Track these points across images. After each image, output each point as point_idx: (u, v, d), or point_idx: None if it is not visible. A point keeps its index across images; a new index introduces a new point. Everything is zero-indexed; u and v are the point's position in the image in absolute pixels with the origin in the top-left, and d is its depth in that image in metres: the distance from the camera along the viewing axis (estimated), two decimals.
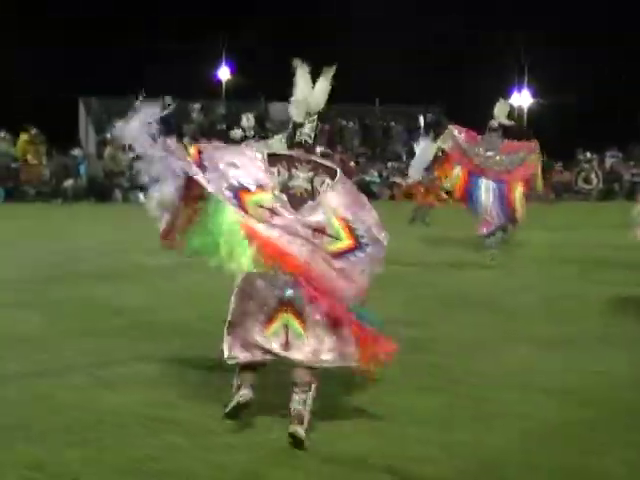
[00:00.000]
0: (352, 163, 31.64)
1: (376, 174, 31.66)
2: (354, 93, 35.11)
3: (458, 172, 12.86)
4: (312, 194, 5.13)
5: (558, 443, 5.09)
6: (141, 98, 33.09)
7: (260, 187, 5.03)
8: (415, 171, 15.54)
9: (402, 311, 8.89)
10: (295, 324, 5.05)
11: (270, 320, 5.08)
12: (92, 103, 34.44)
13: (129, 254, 12.63)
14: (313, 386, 5.09)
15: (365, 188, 30.35)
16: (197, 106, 35.07)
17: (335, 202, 5.18)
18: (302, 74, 5.50)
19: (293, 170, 5.14)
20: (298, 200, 5.09)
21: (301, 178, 5.13)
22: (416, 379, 6.34)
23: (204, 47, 36.87)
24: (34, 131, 27.35)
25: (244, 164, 5.08)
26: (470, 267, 12.55)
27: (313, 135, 5.35)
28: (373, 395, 5.80)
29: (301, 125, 5.35)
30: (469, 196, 12.89)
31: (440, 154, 13.18)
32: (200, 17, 37.79)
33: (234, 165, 5.04)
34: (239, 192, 4.96)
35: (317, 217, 5.09)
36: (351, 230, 5.20)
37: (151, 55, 36.97)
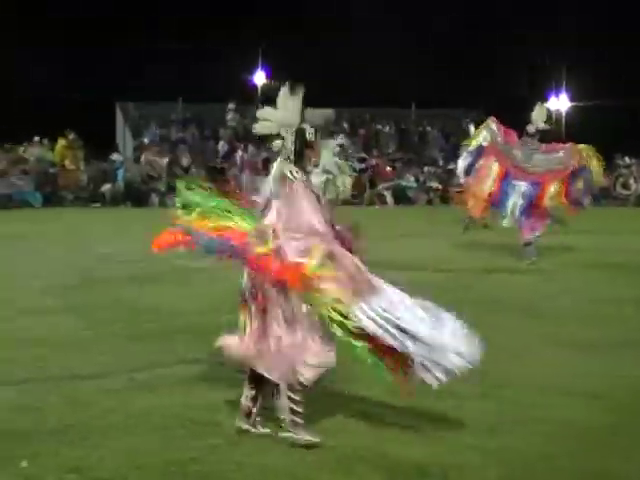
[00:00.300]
0: (388, 168, 31.58)
1: (412, 179, 31.55)
2: (390, 97, 35.14)
3: (495, 169, 12.81)
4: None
5: (606, 448, 5.06)
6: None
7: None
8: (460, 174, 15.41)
9: None
10: None
11: None
12: (129, 108, 34.69)
13: (167, 258, 12.67)
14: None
15: (401, 193, 30.36)
16: (232, 111, 35.22)
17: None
18: (284, 94, 5.66)
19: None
20: None
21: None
22: (458, 385, 6.29)
23: (240, 51, 36.97)
24: (72, 136, 27.59)
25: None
26: (507, 272, 12.46)
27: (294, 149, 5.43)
28: (417, 401, 5.78)
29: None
30: (500, 201, 12.84)
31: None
32: (236, 21, 37.88)
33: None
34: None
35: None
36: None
37: (188, 60, 37.16)
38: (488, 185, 12.96)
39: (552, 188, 12.72)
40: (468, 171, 13.42)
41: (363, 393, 5.95)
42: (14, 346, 7.20)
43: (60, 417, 5.36)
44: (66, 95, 34.36)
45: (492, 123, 13.13)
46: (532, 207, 12.73)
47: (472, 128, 34.58)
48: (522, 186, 12.72)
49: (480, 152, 13.14)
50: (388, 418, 5.51)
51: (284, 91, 5.65)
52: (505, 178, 12.81)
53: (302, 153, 5.42)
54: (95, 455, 4.74)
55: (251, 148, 29.58)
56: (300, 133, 5.50)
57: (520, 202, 12.68)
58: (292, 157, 5.39)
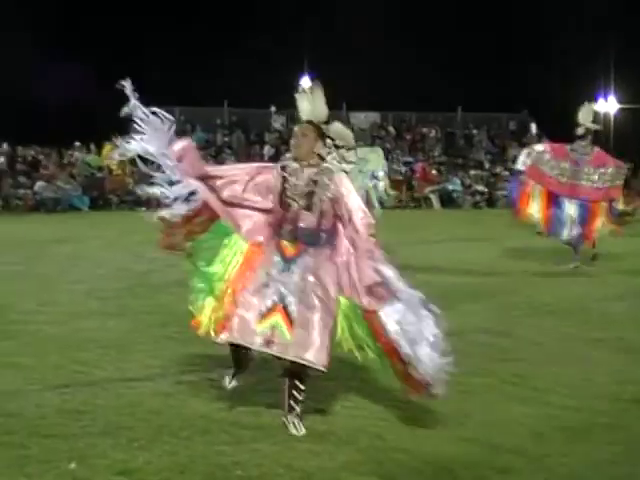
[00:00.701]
0: (434, 171, 31.50)
1: (458, 182, 31.43)
2: (435, 101, 35.02)
3: (537, 195, 12.72)
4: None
5: None
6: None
7: None
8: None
9: (487, 320, 8.86)
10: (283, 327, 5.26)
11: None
12: (175, 112, 34.92)
13: None
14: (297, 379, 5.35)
15: (447, 197, 30.24)
16: (277, 115, 35.32)
17: None
18: (304, 95, 5.83)
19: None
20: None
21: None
22: (503, 389, 6.27)
23: (286, 55, 37.07)
24: (118, 141, 27.77)
25: None
26: (556, 276, 12.36)
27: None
28: (460, 404, 5.77)
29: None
30: (552, 226, 12.74)
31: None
32: (282, 25, 37.98)
33: None
34: None
35: None
36: None
37: (233, 65, 37.30)
38: (535, 210, 12.87)
39: (600, 210, 12.60)
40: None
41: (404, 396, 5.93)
42: (61, 349, 7.27)
43: (108, 420, 5.40)
44: (113, 99, 34.68)
45: (537, 147, 13.03)
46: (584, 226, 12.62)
47: (534, 127, 34.50)
48: (572, 208, 12.58)
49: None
50: (427, 419, 5.49)
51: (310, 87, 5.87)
52: (554, 202, 12.67)
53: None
54: (142, 458, 4.78)
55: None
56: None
57: (574, 232, 12.57)
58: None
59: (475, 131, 36.63)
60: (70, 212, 25.17)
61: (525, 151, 13.27)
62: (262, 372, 6.59)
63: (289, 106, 35.60)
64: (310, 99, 5.76)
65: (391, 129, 35.65)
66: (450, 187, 31.06)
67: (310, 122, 5.65)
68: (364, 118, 35.51)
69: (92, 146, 29.19)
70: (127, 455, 4.82)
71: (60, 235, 17.20)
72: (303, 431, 5.23)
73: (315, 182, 5.42)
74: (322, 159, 5.65)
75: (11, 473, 4.56)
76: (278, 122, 35.48)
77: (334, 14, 38.58)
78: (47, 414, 5.50)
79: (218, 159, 31.67)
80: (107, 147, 28.06)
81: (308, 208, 5.37)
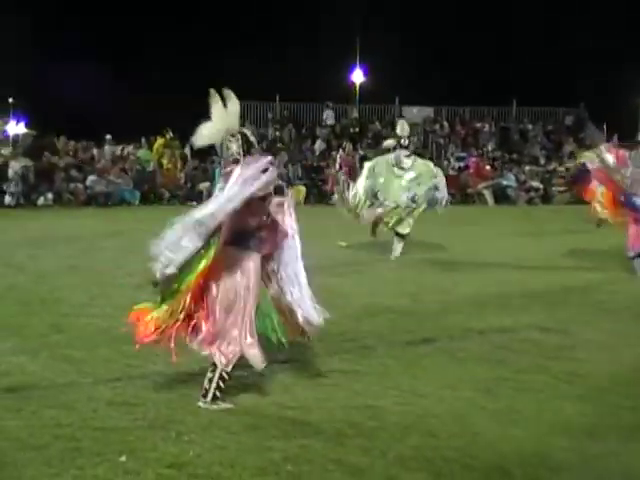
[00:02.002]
0: (487, 167, 31.25)
1: (513, 178, 31.17)
2: (490, 94, 34.77)
3: (601, 192, 12.56)
4: None
5: None
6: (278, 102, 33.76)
7: None
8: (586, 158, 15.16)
9: (541, 317, 8.81)
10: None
11: None
12: None
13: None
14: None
15: (501, 193, 30.01)
16: (329, 111, 35.33)
17: None
18: (216, 103, 6.04)
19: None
20: None
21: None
22: (557, 387, 6.24)
23: (337, 50, 37.03)
24: (170, 135, 28.05)
25: None
26: (612, 273, 12.22)
27: (241, 151, 5.89)
28: (512, 402, 5.76)
29: (228, 146, 5.97)
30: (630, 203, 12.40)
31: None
32: (334, 19, 37.98)
33: None
34: None
35: None
36: None
37: (284, 58, 37.41)
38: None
39: None
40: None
41: (456, 393, 5.93)
42: (112, 343, 7.35)
43: (158, 413, 5.47)
44: (164, 93, 35.06)
45: (603, 151, 12.82)
46: None
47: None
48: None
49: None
50: (479, 416, 5.49)
51: (218, 102, 6.05)
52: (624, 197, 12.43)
53: (250, 154, 5.90)
54: (192, 451, 4.84)
55: (348, 147, 29.60)
56: (244, 137, 5.97)
57: None
58: (240, 157, 5.86)
59: (530, 126, 36.27)
60: (121, 206, 25.41)
61: (597, 152, 13.03)
62: (310, 369, 6.64)
63: (341, 100, 35.77)
64: (221, 110, 6.05)
65: (444, 124, 35.47)
66: (504, 183, 30.81)
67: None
68: (417, 112, 35.38)
69: (143, 140, 29.44)
70: (177, 448, 4.88)
71: (111, 229, 17.37)
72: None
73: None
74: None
75: (63, 465, 4.64)
76: (330, 117, 35.48)
77: (385, 7, 38.52)
78: (98, 407, 5.59)
79: (270, 153, 31.78)
80: (159, 141, 28.32)
81: None
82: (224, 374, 5.68)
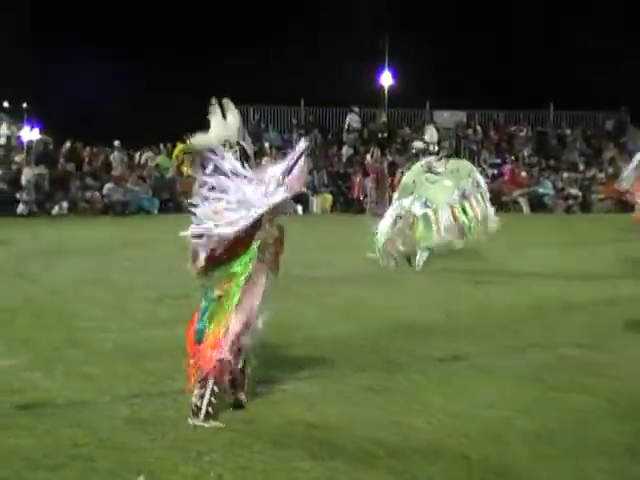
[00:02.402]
0: (523, 173, 31.17)
1: (550, 185, 31.06)
2: (526, 97, 34.65)
3: None
4: None
5: None
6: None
7: None
8: (627, 182, 15.18)
9: (581, 333, 8.75)
10: None
11: None
12: (249, 111, 35.19)
13: (288, 268, 12.82)
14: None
15: (538, 200, 29.89)
16: (355, 116, 35.33)
17: None
18: (215, 114, 6.31)
19: None
20: None
21: None
22: (597, 406, 6.20)
23: (364, 52, 37.08)
24: (190, 141, 28.09)
25: None
26: None
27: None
28: (549, 421, 5.73)
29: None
30: None
31: None
32: (360, 21, 38.02)
33: None
34: None
35: None
36: None
37: (309, 62, 37.48)
38: None
39: None
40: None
41: (490, 412, 5.91)
42: (130, 359, 7.39)
43: (178, 432, 5.47)
44: (183, 99, 35.19)
45: None
46: None
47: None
48: None
49: None
50: (514, 436, 5.47)
51: (217, 112, 6.30)
52: None
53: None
54: (213, 472, 4.84)
55: (376, 152, 29.61)
56: (242, 150, 6.31)
57: None
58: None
59: (568, 130, 36.13)
60: (139, 215, 25.54)
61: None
62: (336, 385, 6.65)
63: (369, 105, 35.77)
64: (219, 118, 6.32)
65: (477, 128, 35.41)
66: (541, 190, 30.71)
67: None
68: (448, 117, 35.36)
69: (162, 146, 29.59)
70: (198, 469, 4.89)
71: (129, 239, 17.46)
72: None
73: None
74: None
75: None
76: (353, 121, 35.47)
77: (413, 8, 38.51)
78: (116, 426, 5.60)
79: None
80: (178, 148, 28.42)
81: None
82: (215, 388, 5.73)
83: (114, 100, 36.65)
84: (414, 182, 13.69)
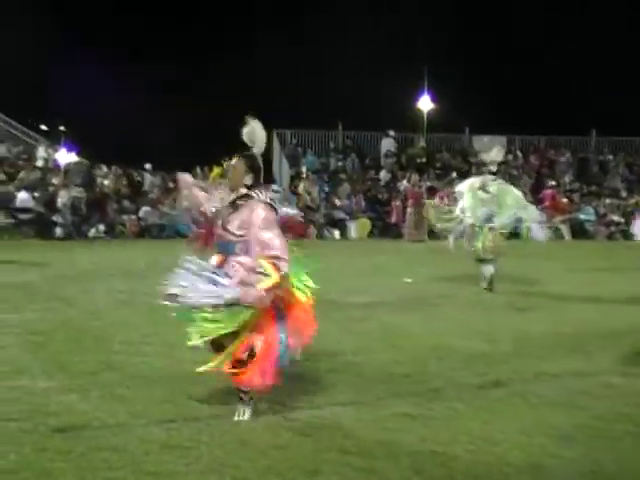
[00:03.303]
0: (564, 199, 31.04)
1: (592, 212, 30.90)
2: (568, 123, 34.54)
3: None
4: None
5: None
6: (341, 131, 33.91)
7: None
8: None
9: (623, 361, 8.71)
10: None
11: None
12: (286, 135, 35.35)
13: (324, 293, 12.84)
14: None
15: (579, 227, 29.73)
16: (390, 140, 35.36)
17: None
18: (255, 126, 6.89)
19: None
20: None
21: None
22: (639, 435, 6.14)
23: (403, 76, 37.14)
24: (226, 164, 28.24)
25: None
26: None
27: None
28: (590, 450, 5.68)
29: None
30: None
31: None
32: (401, 44, 38.12)
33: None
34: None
35: None
36: None
37: (346, 87, 37.60)
38: None
39: None
40: None
41: (530, 440, 5.86)
42: (166, 382, 7.41)
43: (213, 457, 5.47)
44: (224, 122, 35.43)
45: None
46: None
47: None
48: None
49: None
50: (557, 466, 5.41)
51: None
52: None
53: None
54: None
55: (414, 177, 29.64)
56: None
57: None
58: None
59: (610, 156, 35.97)
60: (175, 239, 25.65)
61: None
62: (374, 411, 6.62)
63: (407, 129, 35.81)
64: (251, 131, 6.86)
65: (518, 153, 35.33)
66: (582, 217, 30.58)
67: (242, 156, 6.82)
68: (488, 141, 35.26)
69: (198, 169, 29.75)
70: None
71: (165, 263, 17.50)
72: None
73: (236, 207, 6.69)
74: (248, 188, 6.75)
75: None
76: (388, 146, 35.48)
77: (452, 32, 38.53)
78: (151, 450, 5.61)
79: (332, 184, 31.88)
80: (215, 171, 28.51)
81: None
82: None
83: (160, 125, 37.03)
84: (464, 191, 14.07)
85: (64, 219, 25.78)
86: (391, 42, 38.68)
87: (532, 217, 14.10)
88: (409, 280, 14.94)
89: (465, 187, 14.42)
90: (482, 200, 13.89)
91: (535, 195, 31.49)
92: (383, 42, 38.75)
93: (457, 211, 14.10)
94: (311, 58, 38.70)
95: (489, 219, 13.81)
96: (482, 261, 13.98)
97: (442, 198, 14.92)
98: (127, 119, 37.38)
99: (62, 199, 26.01)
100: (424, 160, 34.44)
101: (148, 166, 30.61)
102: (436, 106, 38.25)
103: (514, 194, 14.20)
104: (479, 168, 14.94)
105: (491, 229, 13.78)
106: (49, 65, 39.79)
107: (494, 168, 14.21)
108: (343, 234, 29.36)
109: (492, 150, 14.63)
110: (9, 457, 5.40)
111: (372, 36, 38.95)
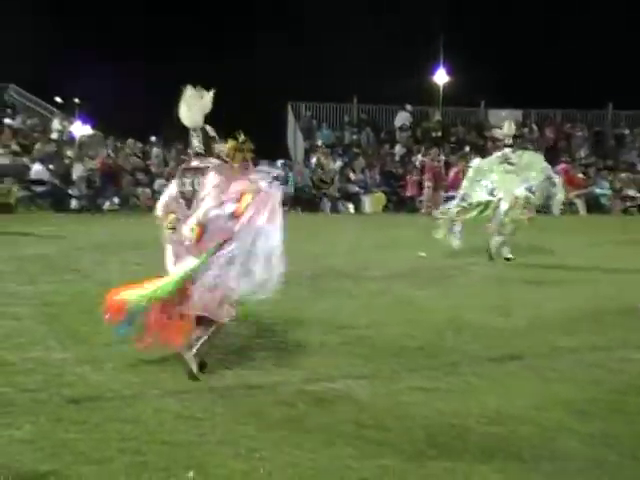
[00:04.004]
0: (580, 174, 30.89)
1: (607, 186, 30.75)
2: (584, 97, 34.33)
3: None
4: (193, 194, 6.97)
5: None
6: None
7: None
8: None
9: None
10: None
11: None
12: (301, 108, 35.23)
13: (340, 267, 12.85)
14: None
15: (594, 201, 29.61)
16: (406, 114, 35.21)
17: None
18: (186, 99, 7.18)
19: (184, 179, 7.08)
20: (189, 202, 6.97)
21: (187, 183, 7.03)
22: None
23: (418, 49, 36.97)
24: (242, 137, 28.20)
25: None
26: None
27: (202, 145, 7.25)
28: (606, 425, 5.67)
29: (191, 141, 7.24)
30: None
31: None
32: (415, 17, 37.92)
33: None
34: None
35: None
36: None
37: (363, 58, 37.43)
38: None
39: None
40: None
41: (545, 414, 5.84)
42: (178, 354, 7.43)
43: (227, 428, 5.49)
44: (238, 94, 35.39)
45: None
46: None
47: None
48: None
49: None
50: (568, 440, 5.39)
51: (189, 93, 7.17)
52: None
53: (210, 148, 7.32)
54: (262, 469, 4.85)
55: (435, 152, 29.48)
56: (204, 132, 7.27)
57: None
58: (202, 151, 7.22)
59: (627, 130, 35.76)
60: None
61: None
62: (388, 385, 6.62)
63: (422, 103, 35.65)
64: (188, 105, 7.18)
65: (534, 127, 35.16)
66: (598, 191, 30.44)
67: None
68: (504, 116, 35.13)
69: (215, 143, 29.77)
70: (247, 465, 4.90)
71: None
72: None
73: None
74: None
75: None
76: (403, 119, 35.35)
77: (468, 4, 38.32)
78: (165, 420, 5.63)
79: (347, 158, 31.78)
80: (229, 144, 28.47)
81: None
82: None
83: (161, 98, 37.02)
84: (487, 169, 14.13)
85: (79, 191, 25.80)
86: (407, 15, 38.46)
87: (558, 190, 14.20)
88: (423, 254, 14.90)
89: (485, 165, 14.47)
90: (508, 172, 14.00)
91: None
92: (400, 15, 38.55)
93: (480, 197, 14.16)
94: (328, 32, 38.53)
95: (519, 187, 13.91)
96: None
97: (457, 174, 14.95)
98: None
99: (77, 172, 26.03)
100: (439, 134, 34.30)
101: (153, 139, 30.65)
102: (451, 79, 38.07)
103: (539, 164, 14.28)
104: (494, 143, 14.92)
105: (517, 198, 13.85)
106: (49, 65, 39.90)
107: (510, 141, 14.25)
108: (357, 208, 29.29)
109: (504, 125, 14.72)
110: (25, 427, 5.43)
111: (389, 9, 38.79)
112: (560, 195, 14.19)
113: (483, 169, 14.44)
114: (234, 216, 6.78)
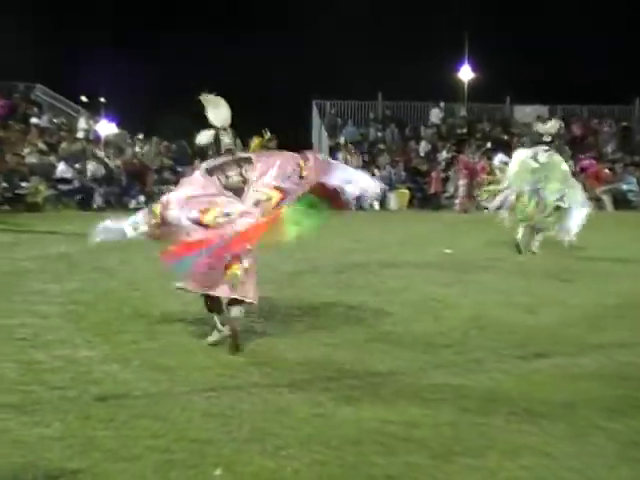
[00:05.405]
0: (606, 170, 30.73)
1: (634, 182, 30.58)
2: (611, 92, 34.16)
3: None
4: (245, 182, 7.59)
5: None
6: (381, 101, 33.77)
7: (211, 202, 7.46)
8: None
9: None
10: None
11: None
12: (326, 106, 35.26)
13: (366, 263, 12.86)
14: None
15: (621, 197, 29.45)
16: (437, 111, 35.17)
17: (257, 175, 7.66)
18: (209, 102, 7.87)
19: (229, 172, 7.60)
20: (239, 191, 7.55)
21: (232, 175, 7.58)
22: None
23: (443, 46, 36.89)
24: (267, 135, 28.27)
25: (195, 191, 7.56)
26: None
27: (234, 143, 7.91)
28: (635, 422, 5.64)
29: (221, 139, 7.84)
30: None
31: None
32: (439, 14, 37.83)
33: (191, 198, 7.53)
34: (198, 217, 7.41)
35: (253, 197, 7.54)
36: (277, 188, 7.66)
37: (387, 55, 37.40)
38: None
39: None
40: None
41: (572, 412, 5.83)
42: (207, 351, 7.47)
43: (254, 426, 5.50)
44: (263, 92, 35.45)
45: None
46: None
47: None
48: None
49: None
50: (597, 436, 5.37)
51: (211, 97, 7.88)
52: None
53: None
54: (290, 467, 4.85)
55: (471, 149, 29.40)
56: (233, 130, 7.96)
57: None
58: (234, 147, 7.93)
59: None
60: None
61: None
62: (414, 382, 6.62)
63: (447, 99, 35.59)
64: (216, 106, 7.86)
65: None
66: (625, 187, 30.28)
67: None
68: (530, 112, 35.00)
69: (238, 141, 29.82)
70: (275, 463, 4.91)
71: None
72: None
73: None
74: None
75: (156, 478, 4.71)
76: (435, 116, 35.34)
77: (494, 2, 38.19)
78: (193, 418, 5.65)
79: (371, 155, 31.77)
80: (255, 142, 28.53)
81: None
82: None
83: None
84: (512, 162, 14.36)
85: (104, 190, 25.93)
86: (432, 11, 38.38)
87: (575, 200, 14.18)
88: (449, 251, 14.89)
89: (514, 156, 14.54)
90: (532, 169, 14.00)
91: (575, 165, 31.29)
92: (424, 12, 38.46)
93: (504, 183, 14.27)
94: (350, 27, 38.50)
95: (535, 188, 13.91)
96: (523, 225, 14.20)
97: (482, 170, 15.00)
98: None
99: (102, 170, 26.16)
100: (465, 130, 34.24)
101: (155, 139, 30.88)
102: (477, 75, 37.97)
103: (563, 170, 14.26)
104: (520, 139, 14.94)
105: (533, 198, 13.88)
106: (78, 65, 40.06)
107: (548, 139, 14.23)
108: (383, 205, 29.27)
109: (549, 122, 14.76)
110: (54, 425, 5.46)
111: (414, 6, 38.71)
112: (575, 204, 14.17)
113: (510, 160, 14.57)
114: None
